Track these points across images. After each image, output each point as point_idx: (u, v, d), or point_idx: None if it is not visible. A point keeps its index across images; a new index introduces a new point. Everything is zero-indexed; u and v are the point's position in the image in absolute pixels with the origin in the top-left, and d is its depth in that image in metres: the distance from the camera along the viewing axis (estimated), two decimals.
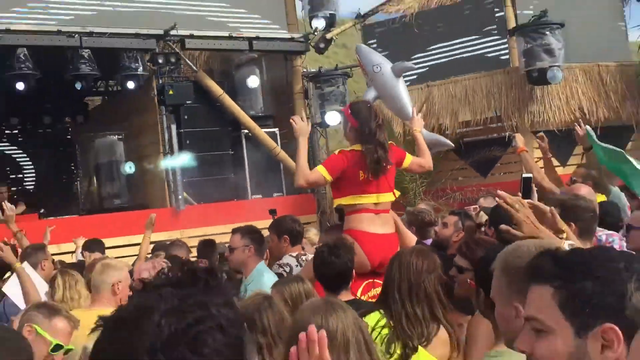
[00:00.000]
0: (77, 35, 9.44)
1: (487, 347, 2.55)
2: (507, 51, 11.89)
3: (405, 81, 6.38)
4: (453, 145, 7.03)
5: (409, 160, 4.75)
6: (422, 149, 4.94)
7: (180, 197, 10.01)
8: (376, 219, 4.40)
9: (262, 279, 4.45)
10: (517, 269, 1.83)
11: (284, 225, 5.21)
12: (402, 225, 4.72)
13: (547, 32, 10.88)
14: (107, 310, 3.70)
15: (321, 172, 4.42)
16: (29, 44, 9.16)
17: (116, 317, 1.11)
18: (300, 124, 4.62)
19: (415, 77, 11.76)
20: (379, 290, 4.14)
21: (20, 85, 9.23)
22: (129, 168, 10.89)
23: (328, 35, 11.78)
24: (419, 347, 2.99)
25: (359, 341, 2.24)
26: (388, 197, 4.48)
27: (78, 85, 9.91)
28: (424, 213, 5.78)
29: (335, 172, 4.40)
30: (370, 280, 4.30)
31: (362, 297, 4.07)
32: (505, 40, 11.87)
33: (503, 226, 2.66)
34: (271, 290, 3.47)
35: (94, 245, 6.59)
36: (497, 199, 2.88)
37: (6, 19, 9.05)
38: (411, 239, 4.68)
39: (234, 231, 4.91)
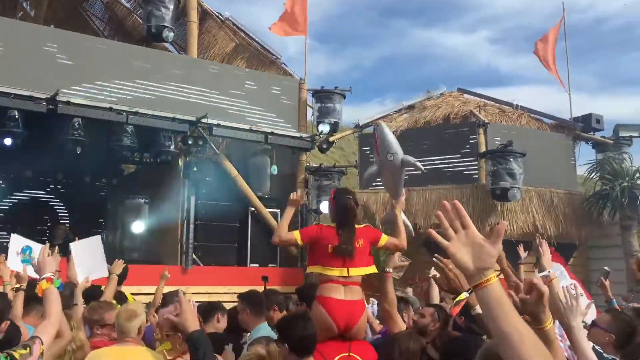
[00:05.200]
0: (125, 113, 9.72)
1: None
2: (476, 170, 12.19)
3: None
4: (413, 234, 6.51)
5: (384, 240, 4.63)
6: (400, 228, 4.81)
7: (190, 257, 10.02)
8: (342, 288, 4.33)
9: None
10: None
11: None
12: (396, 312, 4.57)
13: (511, 159, 11.26)
14: (137, 349, 3.71)
15: (295, 235, 4.46)
16: (84, 115, 9.40)
17: None
18: (295, 198, 4.70)
19: None
20: None
21: (75, 149, 9.36)
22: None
23: (331, 139, 12.13)
24: None
25: None
26: (357, 272, 4.37)
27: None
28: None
29: (305, 238, 4.44)
30: (346, 354, 4.13)
31: None
32: (476, 161, 12.19)
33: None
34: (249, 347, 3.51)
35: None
36: (434, 259, 2.97)
37: (67, 94, 9.31)
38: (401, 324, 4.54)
39: (238, 296, 4.97)
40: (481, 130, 12.27)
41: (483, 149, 12.08)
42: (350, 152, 24.08)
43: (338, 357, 4.09)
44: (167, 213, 10.88)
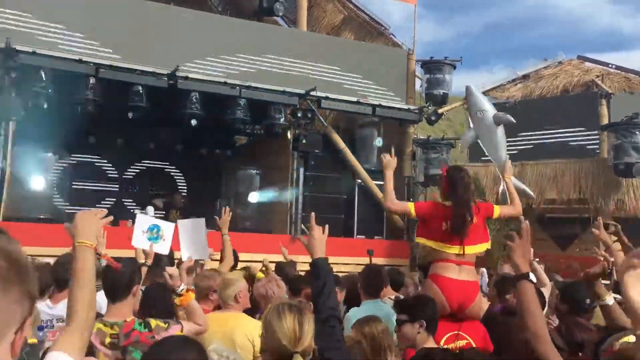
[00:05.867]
0: (238, 87, 10.08)
1: None
2: (597, 143, 11.49)
3: None
4: (534, 196, 6.22)
5: (497, 211, 4.51)
6: (512, 195, 4.66)
7: (298, 227, 10.33)
8: (457, 267, 4.29)
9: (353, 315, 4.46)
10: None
11: None
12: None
13: (637, 132, 10.47)
14: (235, 314, 3.94)
15: (409, 205, 4.46)
16: (200, 89, 9.86)
17: None
18: (389, 159, 4.58)
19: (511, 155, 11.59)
20: (462, 343, 4.02)
21: (192, 122, 9.86)
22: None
23: (440, 110, 11.89)
24: None
25: None
26: (472, 250, 4.34)
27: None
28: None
29: (420, 211, 4.40)
30: (454, 333, 4.12)
31: (445, 346, 3.90)
32: (597, 133, 11.48)
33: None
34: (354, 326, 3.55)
35: None
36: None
37: (186, 69, 9.80)
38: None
39: None
40: (604, 101, 11.51)
41: (605, 121, 11.34)
42: (458, 122, 23.39)
43: (447, 335, 4.07)
44: (276, 183, 11.24)
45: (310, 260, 2.88)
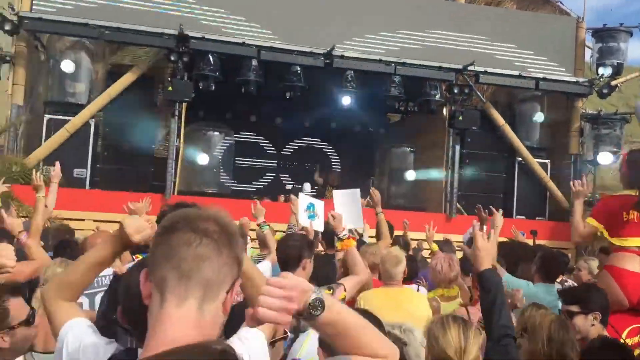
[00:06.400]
0: (393, 64, 10.05)
1: None
2: None
3: None
4: None
5: None
6: None
7: (454, 206, 10.13)
8: (638, 258, 3.95)
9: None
10: None
11: None
12: None
13: None
14: (403, 289, 3.98)
15: (591, 222, 4.17)
16: (355, 68, 9.97)
17: None
18: (580, 189, 4.34)
19: None
20: None
21: (346, 100, 10.08)
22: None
23: (613, 82, 10.92)
24: None
25: None
26: None
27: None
28: None
29: (602, 220, 4.13)
30: (638, 326, 3.82)
31: (627, 340, 3.67)
32: None
33: None
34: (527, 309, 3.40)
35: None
36: None
37: (341, 48, 9.95)
38: None
39: None
40: None
41: None
42: (631, 94, 21.26)
43: (629, 328, 3.79)
44: (431, 161, 11.09)
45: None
